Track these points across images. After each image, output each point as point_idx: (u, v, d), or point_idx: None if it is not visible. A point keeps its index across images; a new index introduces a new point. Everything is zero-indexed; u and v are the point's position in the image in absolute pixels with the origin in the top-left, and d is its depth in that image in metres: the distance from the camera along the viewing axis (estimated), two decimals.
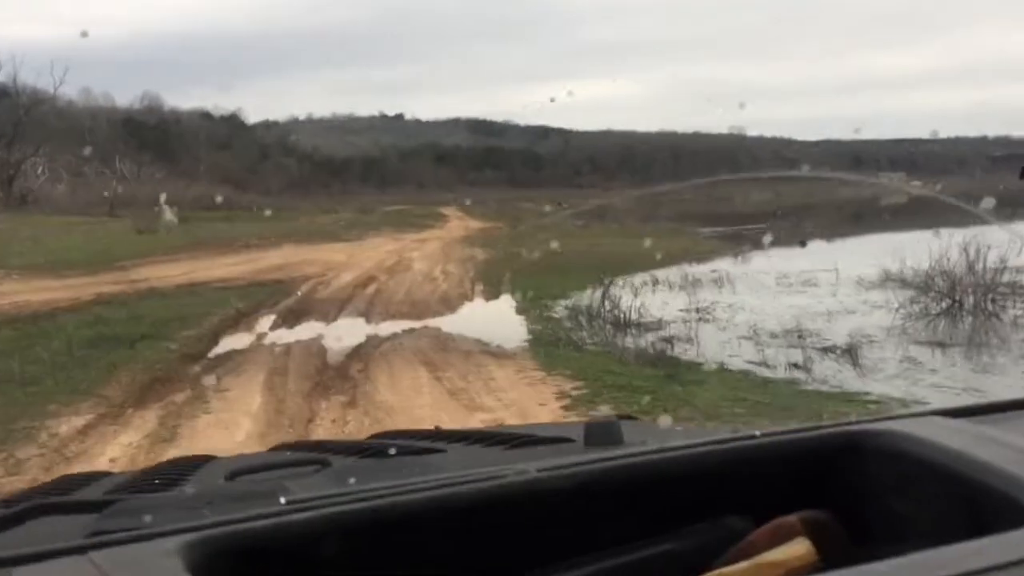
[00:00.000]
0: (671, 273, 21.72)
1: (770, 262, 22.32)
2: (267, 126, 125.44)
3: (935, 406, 0.97)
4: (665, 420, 2.08)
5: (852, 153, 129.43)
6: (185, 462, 1.82)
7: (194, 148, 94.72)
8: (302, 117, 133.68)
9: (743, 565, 0.73)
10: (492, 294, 19.44)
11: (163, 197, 47.22)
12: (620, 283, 19.40)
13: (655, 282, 20.34)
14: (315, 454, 1.62)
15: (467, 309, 17.18)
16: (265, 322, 15.91)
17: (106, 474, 1.92)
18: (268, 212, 55.18)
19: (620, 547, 0.79)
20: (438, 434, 1.93)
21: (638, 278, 21.03)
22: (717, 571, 0.73)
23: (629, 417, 2.02)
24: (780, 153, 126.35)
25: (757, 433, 0.96)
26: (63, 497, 1.29)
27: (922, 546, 0.70)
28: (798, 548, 0.76)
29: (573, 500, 0.81)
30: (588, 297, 18.18)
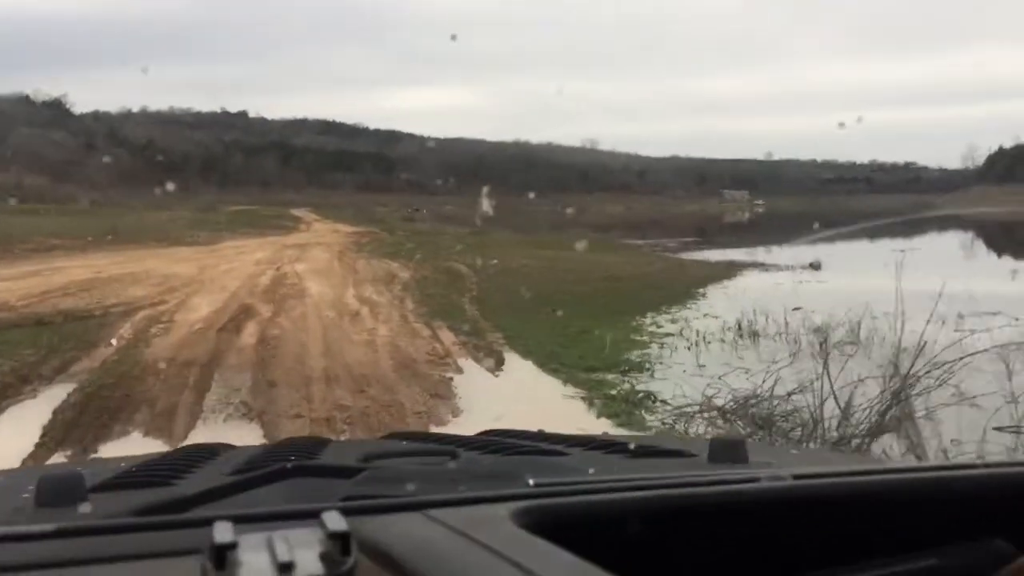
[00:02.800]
0: (741, 310, 12.90)
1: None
2: (96, 117, 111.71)
3: None
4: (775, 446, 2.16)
5: (697, 170, 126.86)
6: (306, 443, 1.67)
7: (8, 134, 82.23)
8: (136, 109, 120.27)
9: None
10: (490, 355, 9.99)
11: None
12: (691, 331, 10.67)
13: (764, 333, 11.39)
14: (439, 445, 1.53)
15: (484, 401, 7.67)
16: None
17: (225, 447, 1.76)
18: (86, 205, 43.98)
19: (882, 559, 0.73)
20: (549, 436, 1.74)
21: (704, 322, 12.16)
22: None
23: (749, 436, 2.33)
24: (630, 167, 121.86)
25: (978, 462, 0.88)
26: (311, 461, 1.20)
27: None
28: None
29: (830, 510, 0.75)
30: (681, 366, 9.21)
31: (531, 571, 0.52)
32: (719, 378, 8.68)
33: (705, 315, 13.08)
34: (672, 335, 11.30)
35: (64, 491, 1.00)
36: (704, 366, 9.24)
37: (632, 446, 1.46)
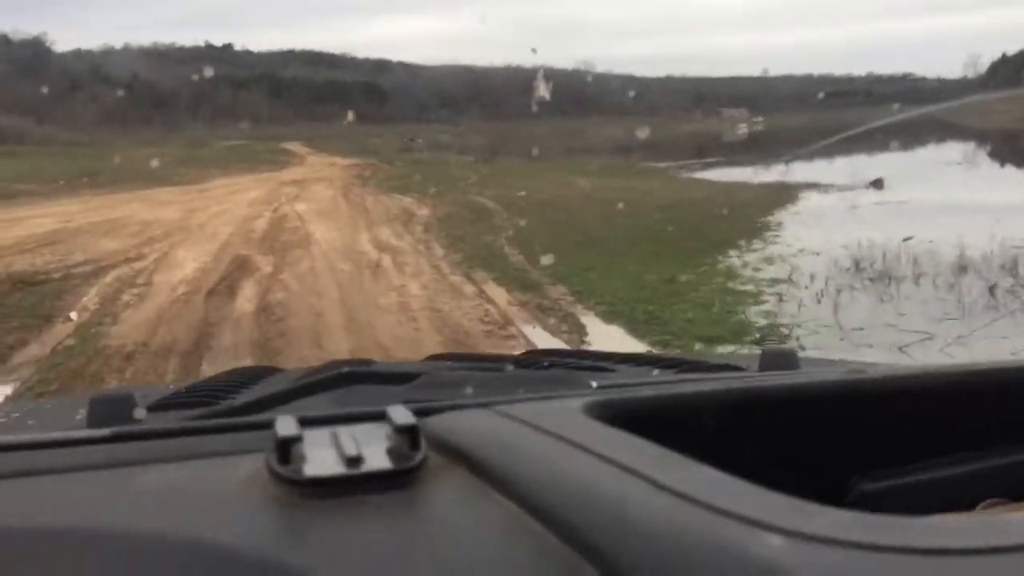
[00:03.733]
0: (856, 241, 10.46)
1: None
2: (78, 55, 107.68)
3: None
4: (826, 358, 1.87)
5: (694, 89, 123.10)
6: (350, 363, 1.59)
7: None
8: (119, 46, 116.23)
9: None
10: (563, 319, 7.47)
11: None
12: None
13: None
14: (482, 364, 1.50)
15: None
16: None
17: (273, 369, 1.79)
18: (62, 146, 41.02)
19: (982, 451, 0.70)
20: (595, 354, 1.72)
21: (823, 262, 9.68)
22: None
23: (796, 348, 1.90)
24: (626, 89, 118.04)
25: None
26: (368, 368, 1.21)
27: None
28: None
29: (920, 402, 0.72)
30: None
31: (608, 457, 0.50)
32: (900, 350, 6.21)
33: (801, 251, 10.56)
34: (781, 281, 8.80)
35: (117, 411, 0.98)
36: (862, 329, 6.75)
37: (681, 361, 1.45)
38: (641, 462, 0.50)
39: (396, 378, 1.02)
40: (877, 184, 18.66)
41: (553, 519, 0.46)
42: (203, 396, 1.25)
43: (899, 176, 21.16)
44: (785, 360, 1.21)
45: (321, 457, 0.56)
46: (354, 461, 0.55)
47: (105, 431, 0.73)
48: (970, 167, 28.13)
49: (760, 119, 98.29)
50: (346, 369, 1.04)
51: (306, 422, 0.63)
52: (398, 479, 0.54)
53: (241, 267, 10.02)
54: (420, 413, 0.68)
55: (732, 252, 10.69)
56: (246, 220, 14.77)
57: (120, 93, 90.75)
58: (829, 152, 34.71)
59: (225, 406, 0.93)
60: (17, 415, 1.38)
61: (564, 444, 0.55)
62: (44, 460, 0.67)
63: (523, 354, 1.81)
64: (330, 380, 1.00)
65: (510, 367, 1.30)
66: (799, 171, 24.44)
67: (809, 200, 16.58)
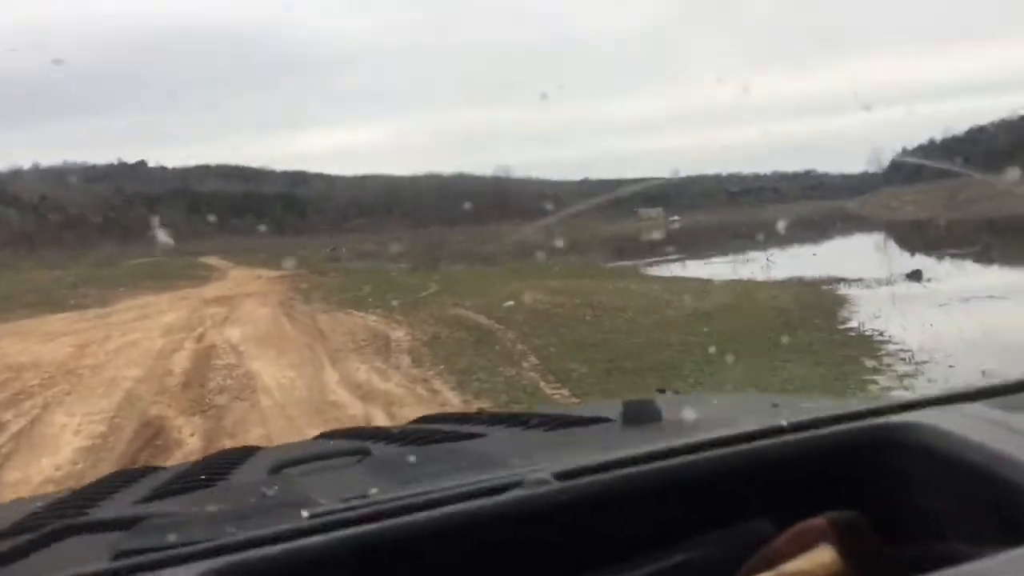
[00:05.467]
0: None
1: None
2: None
3: (961, 387, 0.87)
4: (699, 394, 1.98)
5: (611, 191, 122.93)
6: (233, 454, 1.72)
7: None
8: (27, 166, 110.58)
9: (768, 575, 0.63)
10: None
11: None
12: None
13: None
14: (357, 443, 1.53)
15: None
16: None
17: (157, 468, 1.80)
18: None
19: (628, 561, 0.70)
20: (481, 417, 1.79)
21: None
22: None
23: (672, 391, 1.90)
24: (545, 193, 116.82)
25: (784, 424, 0.85)
26: (89, 509, 1.21)
27: (956, 548, 0.66)
28: (823, 555, 0.66)
29: (589, 510, 0.72)
30: None
31: None
32: None
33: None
34: None
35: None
36: None
37: (553, 418, 1.46)
38: None
39: (112, 525, 1.00)
40: (915, 276, 15.56)
41: None
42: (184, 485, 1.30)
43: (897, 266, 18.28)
44: (646, 411, 1.23)
45: None
46: None
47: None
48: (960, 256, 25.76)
49: (676, 218, 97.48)
50: (63, 522, 1.02)
51: None
52: None
53: (153, 444, 5.99)
54: (117, 572, 0.71)
55: (878, 378, 7.14)
56: (160, 356, 10.70)
57: (27, 214, 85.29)
58: (754, 247, 32.39)
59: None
60: None
61: None
62: None
63: (412, 421, 1.98)
64: (46, 537, 0.98)
65: (381, 445, 1.46)
66: (781, 266, 21.53)
67: (862, 298, 13.27)
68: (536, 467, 0.85)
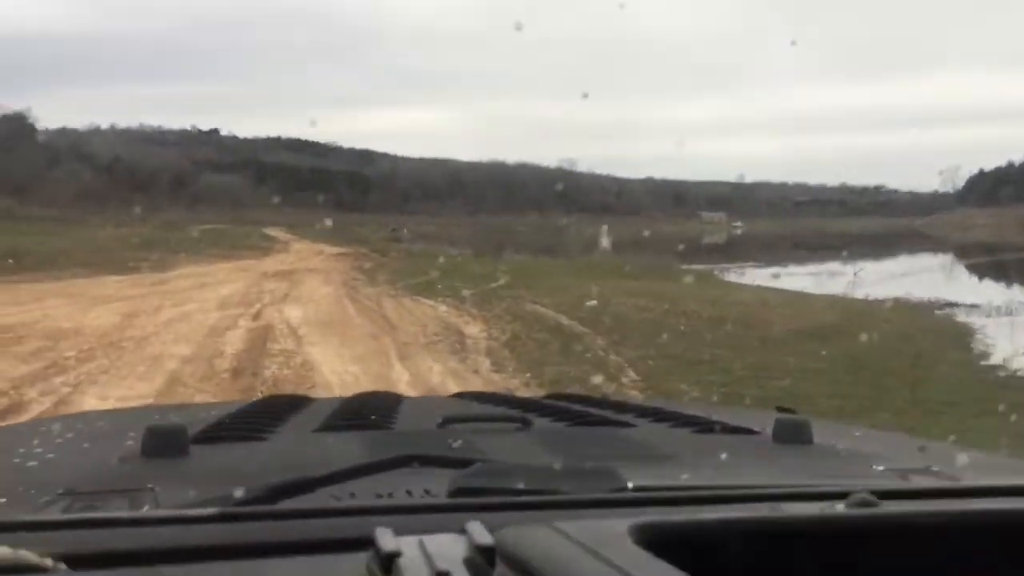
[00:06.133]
0: None
1: None
2: (63, 133, 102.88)
3: None
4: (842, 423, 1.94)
5: (674, 192, 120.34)
6: (380, 400, 1.68)
7: None
8: (104, 126, 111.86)
9: None
10: None
11: None
12: None
13: None
14: (512, 411, 1.52)
15: None
16: None
17: (306, 398, 1.81)
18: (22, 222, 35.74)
19: None
20: (614, 404, 1.77)
21: None
22: None
23: (790, 410, 1.59)
24: (608, 188, 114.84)
25: None
26: (434, 451, 1.15)
27: None
28: None
29: (915, 538, 0.71)
30: None
31: None
32: None
33: None
34: None
35: (170, 442, 1.06)
36: None
37: (700, 421, 1.43)
38: None
39: (452, 463, 1.03)
40: None
41: None
42: (244, 431, 1.26)
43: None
44: (798, 431, 1.22)
45: (414, 570, 0.61)
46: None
47: (206, 511, 0.75)
48: None
49: (739, 224, 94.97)
50: (408, 453, 1.04)
51: (387, 511, 0.75)
52: None
53: None
54: (479, 508, 0.76)
55: None
56: (212, 333, 9.56)
57: (101, 173, 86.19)
58: (823, 259, 30.57)
59: (298, 476, 0.90)
60: (71, 435, 1.36)
61: (613, 573, 0.57)
62: (147, 539, 0.70)
63: (545, 396, 1.91)
64: (392, 462, 1.01)
65: (534, 417, 1.41)
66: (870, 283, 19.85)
67: (987, 328, 11.65)
68: (858, 486, 0.82)
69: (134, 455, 1.07)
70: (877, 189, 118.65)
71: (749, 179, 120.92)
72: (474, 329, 9.93)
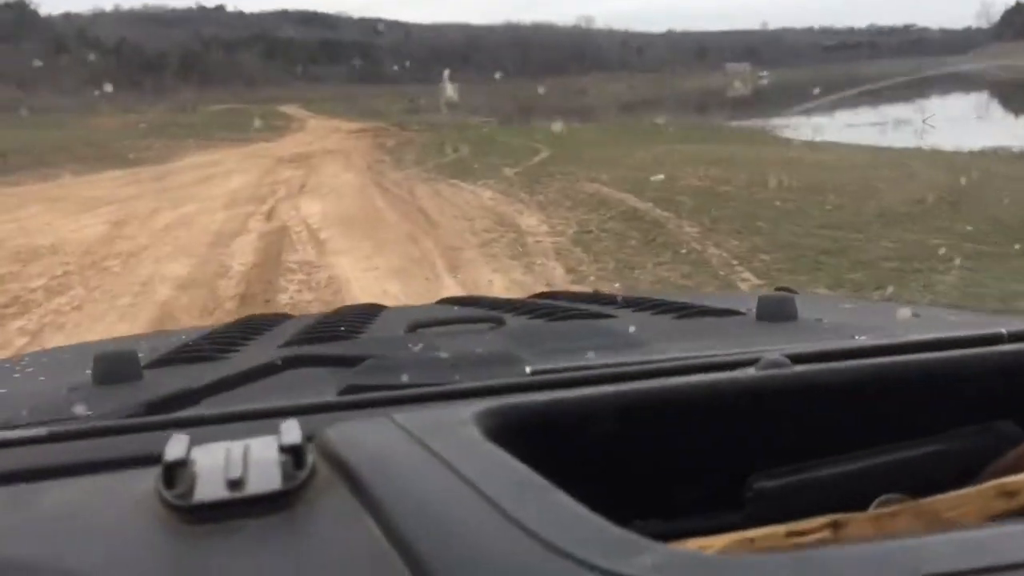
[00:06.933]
0: None
1: None
2: (66, 18, 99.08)
3: None
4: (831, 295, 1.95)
5: (697, 44, 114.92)
6: (361, 309, 1.64)
7: None
8: (108, 8, 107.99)
9: None
10: None
11: None
12: None
13: None
14: (487, 311, 1.46)
15: None
16: None
17: (283, 317, 1.70)
18: (24, 112, 33.71)
19: (882, 446, 0.68)
20: (602, 298, 1.70)
21: None
22: (1000, 480, 0.59)
23: (791, 291, 1.51)
24: (628, 44, 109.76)
25: (1004, 332, 0.82)
26: (316, 349, 1.14)
27: None
28: None
29: (834, 396, 0.70)
30: None
31: (472, 482, 0.50)
32: None
33: None
34: None
35: (120, 368, 1.02)
36: None
37: (683, 306, 1.39)
38: (502, 489, 0.49)
39: (341, 361, 1.00)
40: None
41: (406, 549, 0.46)
42: (203, 352, 1.22)
43: None
44: (782, 307, 1.19)
45: (209, 479, 0.54)
46: (236, 484, 0.53)
47: (13, 434, 0.72)
48: None
49: (765, 74, 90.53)
50: (285, 356, 1.00)
51: (205, 423, 0.68)
52: (279, 501, 0.53)
53: None
54: (328, 408, 0.71)
55: None
56: (217, 242, 7.77)
57: (108, 57, 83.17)
58: (874, 102, 28.13)
59: (159, 397, 0.87)
60: (31, 369, 1.34)
61: (439, 465, 0.53)
62: None
63: (532, 296, 1.81)
64: (269, 367, 0.97)
65: (510, 316, 1.35)
66: (933, 133, 17.57)
67: None
68: (765, 348, 0.83)
69: (86, 384, 1.01)
70: (907, 28, 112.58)
71: (772, 26, 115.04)
72: (531, 221, 8.03)
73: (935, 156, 12.81)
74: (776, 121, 27.85)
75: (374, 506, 0.50)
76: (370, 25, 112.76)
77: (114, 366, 1.02)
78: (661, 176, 10.39)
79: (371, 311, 1.60)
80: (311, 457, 0.56)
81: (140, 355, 1.07)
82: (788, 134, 21.06)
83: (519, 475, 0.51)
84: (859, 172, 10.95)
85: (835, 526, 0.52)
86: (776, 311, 1.17)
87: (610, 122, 24.77)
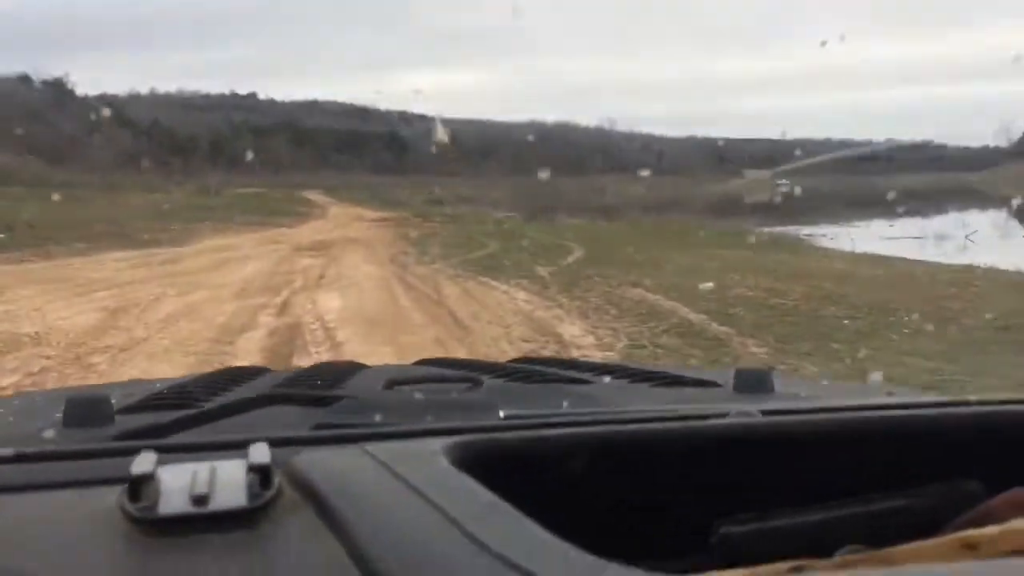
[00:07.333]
0: None
1: None
2: (102, 98, 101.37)
3: None
4: (812, 377, 2.02)
5: (715, 150, 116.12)
6: (339, 367, 1.59)
7: (3, 114, 72.90)
8: (144, 91, 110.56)
9: (993, 529, 0.56)
10: None
11: None
12: None
13: None
14: (464, 372, 1.45)
15: None
16: None
17: (262, 370, 1.65)
18: (52, 188, 33.46)
19: (846, 499, 0.68)
20: (580, 364, 1.73)
21: None
22: (963, 533, 0.57)
23: (770, 369, 1.44)
24: (649, 147, 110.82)
25: (971, 399, 0.84)
26: (290, 389, 1.13)
27: None
28: None
29: (797, 448, 0.70)
30: None
31: (441, 507, 0.49)
32: None
33: None
34: None
35: (91, 412, 0.99)
36: None
37: (660, 375, 1.38)
38: (468, 513, 0.49)
39: (316, 401, 0.99)
40: None
41: (367, 568, 0.46)
42: (177, 400, 1.19)
43: None
44: (759, 381, 1.17)
45: (174, 495, 0.54)
46: (201, 499, 0.53)
47: (9, 452, 0.69)
48: None
49: (785, 182, 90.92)
50: (260, 393, 0.99)
51: (174, 450, 0.66)
52: (244, 518, 0.52)
53: None
54: (300, 442, 0.69)
55: None
56: (221, 338, 6.85)
57: (140, 138, 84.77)
58: (885, 216, 27.61)
59: (131, 427, 0.85)
60: (1, 410, 1.30)
61: (407, 490, 0.53)
62: None
63: (512, 361, 1.77)
64: (244, 403, 0.95)
65: (487, 379, 1.29)
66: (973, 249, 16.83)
67: None
68: (741, 406, 0.81)
69: (56, 426, 0.97)
70: (926, 144, 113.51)
71: (791, 136, 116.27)
72: (574, 330, 7.08)
73: (995, 275, 11.88)
74: (806, 230, 27.20)
75: (338, 526, 0.50)
76: (397, 118, 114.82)
77: (85, 409, 0.97)
78: (710, 284, 9.48)
79: (350, 368, 1.56)
80: (278, 479, 0.55)
81: (113, 401, 1.03)
82: (825, 243, 20.31)
83: (486, 501, 0.50)
84: (921, 290, 10.01)
85: (797, 570, 0.51)
86: (753, 383, 1.15)
87: (634, 221, 24.06)
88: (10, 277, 9.70)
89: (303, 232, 18.85)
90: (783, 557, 0.51)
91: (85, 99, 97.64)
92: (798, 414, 0.76)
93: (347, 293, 9.09)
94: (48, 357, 6.15)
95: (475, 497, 0.51)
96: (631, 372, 1.44)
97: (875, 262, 14.26)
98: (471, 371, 1.46)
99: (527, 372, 1.42)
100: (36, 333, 6.84)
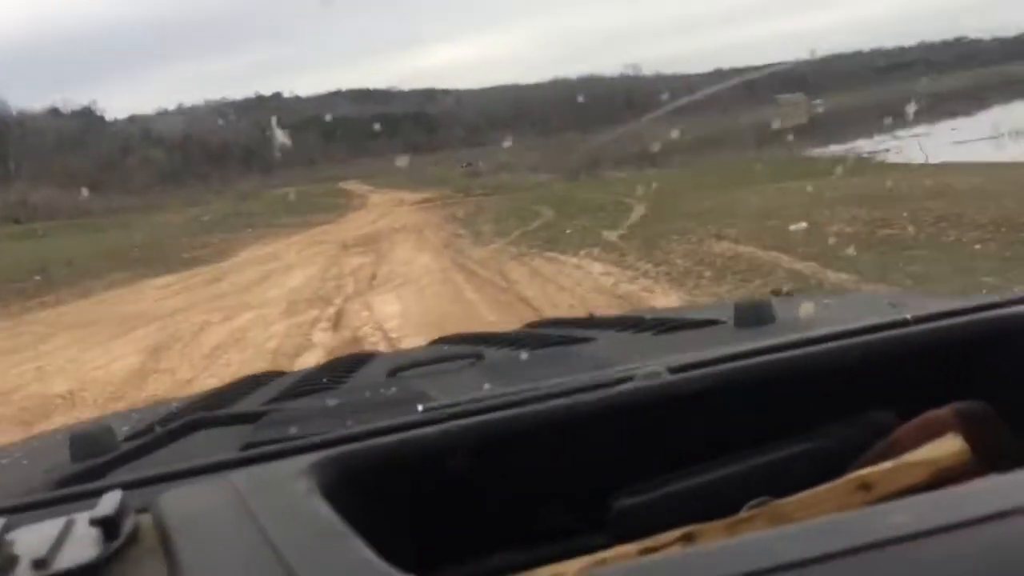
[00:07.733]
0: None
1: None
2: (132, 120, 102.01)
3: None
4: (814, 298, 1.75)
5: (745, 78, 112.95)
6: (353, 358, 1.69)
7: (39, 148, 73.64)
8: (171, 108, 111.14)
9: (887, 465, 0.58)
10: None
11: None
12: None
13: None
14: (469, 347, 1.47)
15: None
16: None
17: (285, 373, 1.76)
18: (92, 215, 33.18)
19: (751, 449, 0.66)
20: (592, 321, 1.77)
21: None
22: (858, 472, 0.59)
23: (786, 293, 1.64)
24: (676, 87, 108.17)
25: (908, 317, 0.81)
26: (219, 410, 1.15)
27: None
28: (950, 444, 0.61)
29: (704, 402, 0.69)
30: None
31: (273, 542, 0.48)
32: None
33: None
34: None
35: (95, 444, 1.00)
36: None
37: (663, 322, 1.36)
38: (300, 544, 0.48)
39: (241, 418, 0.99)
40: None
41: None
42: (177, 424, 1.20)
43: None
44: (759, 312, 1.15)
45: (21, 561, 0.53)
46: (41, 563, 0.52)
47: None
48: None
49: (819, 101, 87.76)
50: (194, 416, 1.00)
51: (38, 507, 0.67)
52: (88, 575, 0.51)
53: None
54: (238, 464, 0.69)
55: None
56: (273, 367, 5.92)
57: (174, 154, 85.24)
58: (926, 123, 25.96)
59: (67, 473, 0.86)
60: (18, 454, 1.27)
61: (251, 525, 0.52)
62: None
63: (525, 326, 1.86)
64: (177, 430, 0.96)
65: (492, 350, 1.34)
66: None
67: None
68: (649, 364, 0.81)
69: (64, 463, 0.98)
70: (958, 41, 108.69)
71: (821, 53, 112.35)
72: (673, 303, 6.06)
73: None
74: (862, 144, 25.60)
75: (179, 573, 0.49)
76: (422, 95, 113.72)
77: (89, 442, 0.98)
78: (803, 224, 8.34)
79: (359, 359, 1.58)
80: (130, 527, 0.54)
81: (125, 428, 1.04)
82: (894, 158, 18.83)
83: (323, 528, 0.49)
84: None
85: (688, 538, 0.51)
86: (753, 317, 1.14)
87: (683, 165, 22.74)
88: (41, 325, 8.95)
89: (346, 227, 17.98)
90: (686, 523, 0.50)
91: (115, 123, 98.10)
92: (709, 365, 0.71)
93: (404, 293, 8.15)
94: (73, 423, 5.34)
95: (315, 524, 0.49)
96: (635, 323, 1.41)
97: (963, 171, 12.87)
98: (478, 344, 1.46)
99: (535, 337, 1.42)
100: (69, 392, 6.02)
